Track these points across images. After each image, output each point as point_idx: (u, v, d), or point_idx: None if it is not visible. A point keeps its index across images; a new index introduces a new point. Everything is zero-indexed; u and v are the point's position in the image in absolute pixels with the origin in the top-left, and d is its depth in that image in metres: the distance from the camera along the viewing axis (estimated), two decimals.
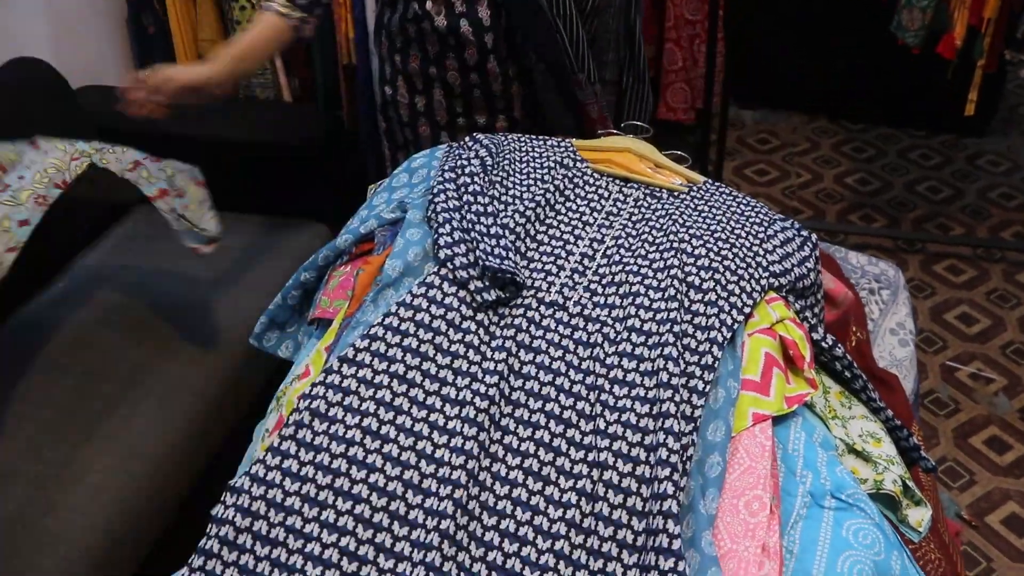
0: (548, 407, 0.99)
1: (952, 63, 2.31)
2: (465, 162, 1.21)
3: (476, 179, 1.18)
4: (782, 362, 1.06)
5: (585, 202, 1.23)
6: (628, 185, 1.28)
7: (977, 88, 2.27)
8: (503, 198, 1.19)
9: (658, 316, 1.03)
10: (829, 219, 2.90)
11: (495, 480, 0.94)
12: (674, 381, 0.96)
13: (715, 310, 1.04)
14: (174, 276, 1.85)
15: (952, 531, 1.51)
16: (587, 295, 1.09)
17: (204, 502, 1.34)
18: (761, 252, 1.13)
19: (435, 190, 1.17)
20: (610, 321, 1.05)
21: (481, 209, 1.13)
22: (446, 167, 1.21)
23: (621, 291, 1.08)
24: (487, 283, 1.05)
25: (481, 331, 1.03)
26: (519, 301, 1.07)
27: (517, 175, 1.24)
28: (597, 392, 0.99)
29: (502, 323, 1.05)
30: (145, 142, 2.11)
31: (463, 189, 1.16)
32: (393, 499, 0.92)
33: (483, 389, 0.98)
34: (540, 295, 1.08)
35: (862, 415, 1.13)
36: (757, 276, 1.09)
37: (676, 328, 1.01)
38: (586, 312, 1.07)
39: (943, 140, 3.27)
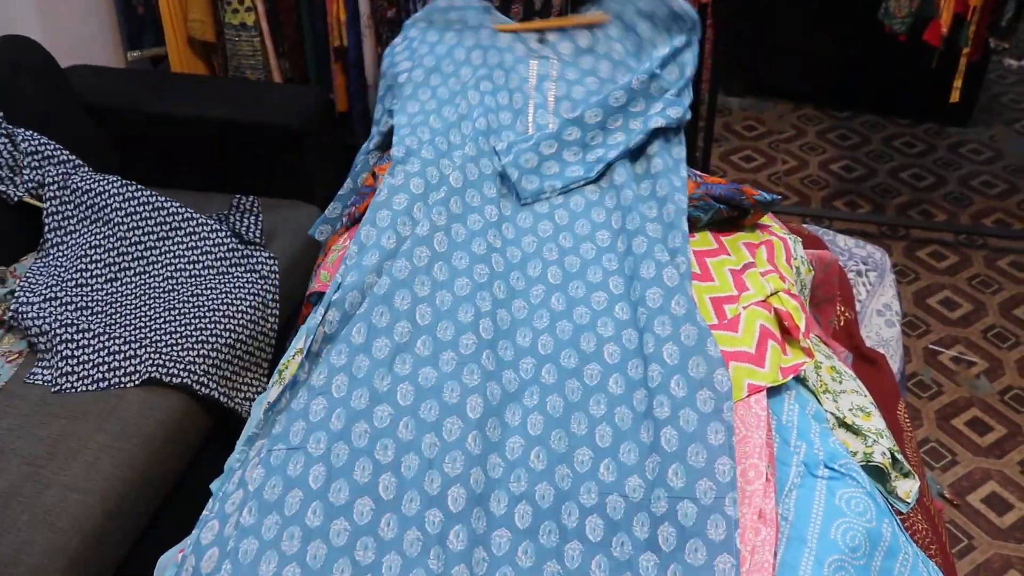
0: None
1: (938, 51, 2.33)
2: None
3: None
4: (778, 334, 1.08)
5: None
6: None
7: (962, 75, 2.30)
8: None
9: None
10: (814, 205, 2.93)
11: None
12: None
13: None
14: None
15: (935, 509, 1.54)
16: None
17: (199, 476, 1.35)
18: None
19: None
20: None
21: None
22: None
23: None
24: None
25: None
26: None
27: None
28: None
29: None
30: (136, 121, 2.12)
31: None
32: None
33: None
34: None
35: (852, 390, 1.16)
36: None
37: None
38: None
39: (927, 128, 3.31)
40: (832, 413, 1.10)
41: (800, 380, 1.10)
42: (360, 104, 2.49)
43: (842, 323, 1.48)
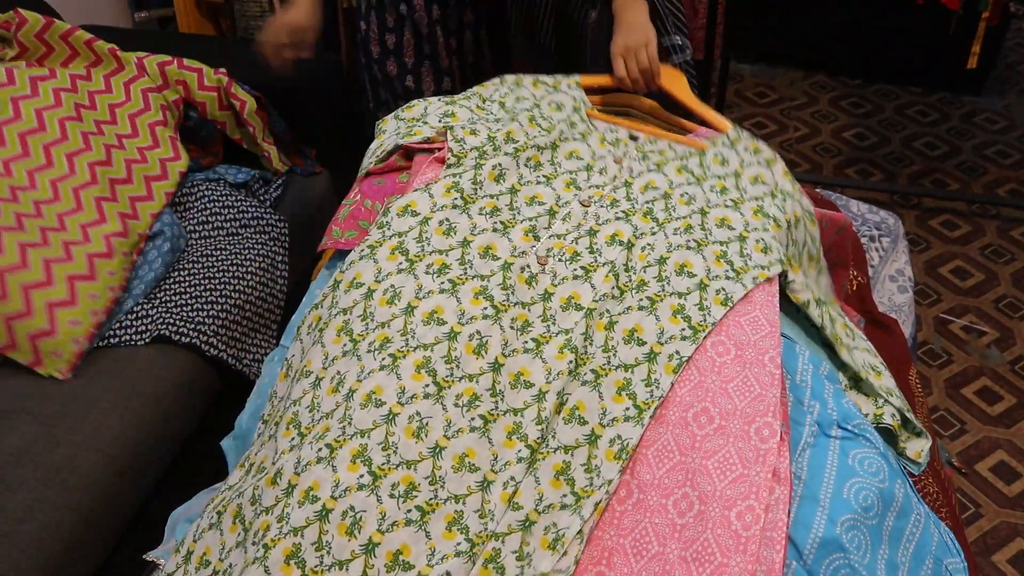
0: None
1: (955, 15, 2.30)
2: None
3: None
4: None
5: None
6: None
7: (980, 40, 2.26)
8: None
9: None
10: (826, 173, 2.91)
11: None
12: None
13: None
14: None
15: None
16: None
17: (207, 437, 1.35)
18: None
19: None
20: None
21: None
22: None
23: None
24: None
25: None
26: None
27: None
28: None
29: None
30: None
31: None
32: None
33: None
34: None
35: (863, 348, 1.15)
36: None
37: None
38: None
39: (940, 97, 3.27)
40: (848, 364, 1.10)
41: (817, 329, 1.10)
42: None
43: (854, 287, 1.47)
